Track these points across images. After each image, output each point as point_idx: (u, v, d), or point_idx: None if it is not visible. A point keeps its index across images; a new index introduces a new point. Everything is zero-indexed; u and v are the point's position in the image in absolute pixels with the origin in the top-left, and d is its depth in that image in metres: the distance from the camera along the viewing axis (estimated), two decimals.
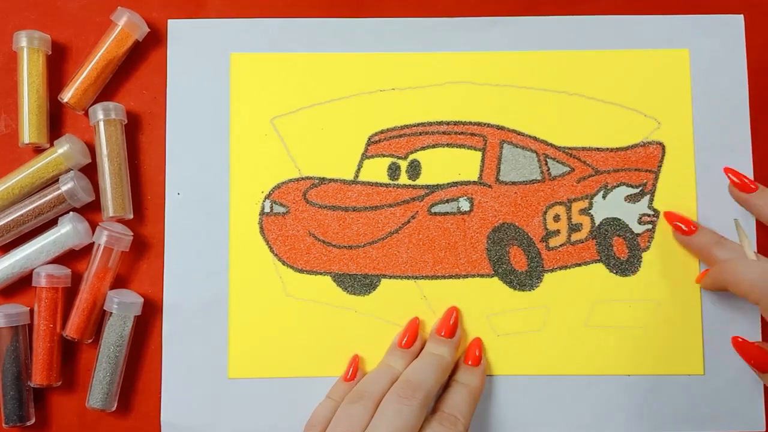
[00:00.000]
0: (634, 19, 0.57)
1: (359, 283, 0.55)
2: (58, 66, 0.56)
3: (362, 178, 0.56)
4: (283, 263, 0.55)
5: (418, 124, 0.56)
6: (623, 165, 0.56)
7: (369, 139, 0.56)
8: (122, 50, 0.55)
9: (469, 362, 0.53)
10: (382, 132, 0.56)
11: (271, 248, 0.55)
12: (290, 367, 0.54)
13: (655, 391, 0.54)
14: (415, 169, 0.56)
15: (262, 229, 0.55)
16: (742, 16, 0.57)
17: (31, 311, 0.54)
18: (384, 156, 0.56)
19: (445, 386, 0.53)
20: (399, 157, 0.56)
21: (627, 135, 0.56)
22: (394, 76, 0.56)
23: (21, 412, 0.53)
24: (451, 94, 0.56)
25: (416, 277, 0.55)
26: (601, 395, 0.54)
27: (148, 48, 0.56)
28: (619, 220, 0.55)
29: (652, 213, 0.55)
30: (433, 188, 0.56)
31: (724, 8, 0.57)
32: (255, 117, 0.56)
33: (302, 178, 0.56)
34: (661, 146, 0.56)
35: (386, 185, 0.56)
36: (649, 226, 0.55)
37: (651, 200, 0.56)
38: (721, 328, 0.54)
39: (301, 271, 0.55)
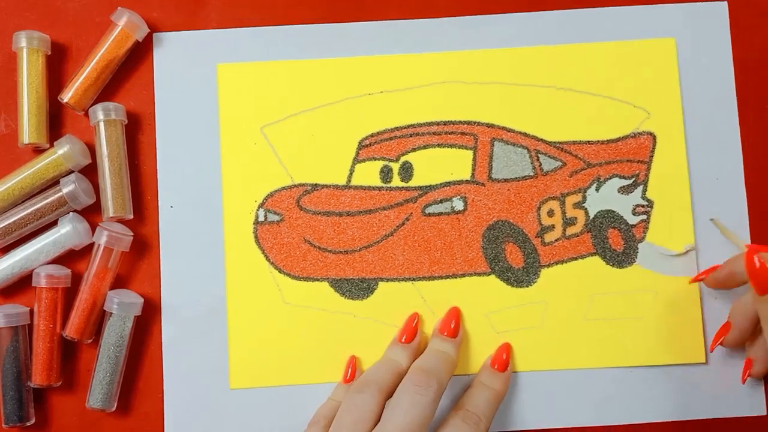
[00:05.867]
0: (618, 10, 0.57)
1: (357, 288, 0.55)
2: (58, 66, 0.56)
3: (355, 182, 0.56)
4: (280, 271, 0.55)
5: (408, 126, 0.56)
6: (615, 157, 0.56)
7: (359, 143, 0.56)
8: (122, 50, 0.55)
9: (495, 366, 0.53)
10: (372, 135, 0.56)
11: (266, 257, 0.55)
12: (292, 374, 0.54)
13: (657, 381, 0.54)
14: (407, 171, 0.56)
15: (257, 238, 0.55)
16: (726, 2, 0.57)
17: (31, 311, 0.54)
18: (375, 159, 0.56)
19: (469, 386, 0.53)
20: (390, 160, 0.56)
21: (617, 127, 0.56)
22: (382, 79, 0.56)
23: (21, 413, 0.53)
24: (440, 94, 0.56)
25: (413, 279, 0.55)
26: (603, 388, 0.54)
27: (148, 48, 0.56)
28: (614, 212, 0.55)
29: (646, 203, 0.55)
30: (426, 189, 0.56)
31: None
32: (244, 127, 0.56)
33: (295, 186, 0.56)
34: (652, 136, 0.56)
35: (379, 188, 0.56)
36: (644, 217, 0.55)
37: (644, 190, 0.56)
38: (721, 315, 0.54)
39: (297, 278, 0.55)
